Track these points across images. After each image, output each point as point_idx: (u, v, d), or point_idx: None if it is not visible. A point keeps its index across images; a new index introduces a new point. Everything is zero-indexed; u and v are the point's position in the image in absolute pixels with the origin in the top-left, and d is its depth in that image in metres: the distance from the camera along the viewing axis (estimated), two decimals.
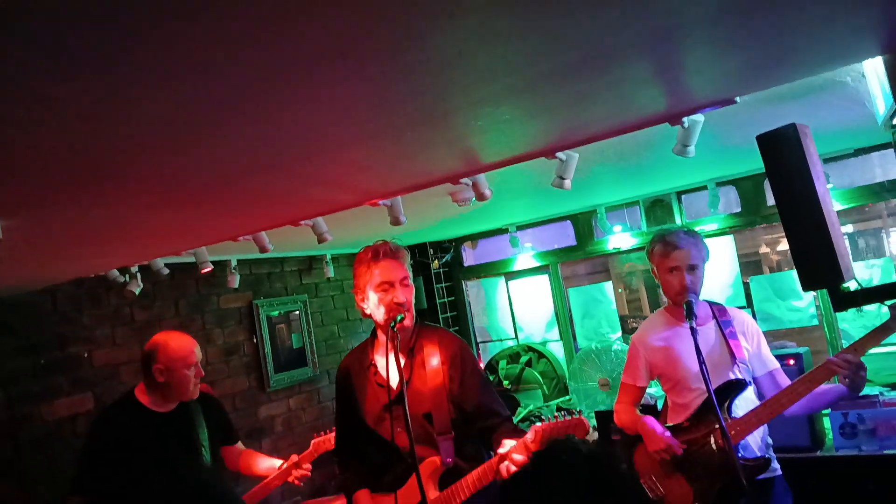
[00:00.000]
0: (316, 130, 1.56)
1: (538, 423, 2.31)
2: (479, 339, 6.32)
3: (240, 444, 3.42)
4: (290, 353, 5.04)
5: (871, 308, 4.41)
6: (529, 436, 2.30)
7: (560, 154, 2.41)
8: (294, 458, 3.13)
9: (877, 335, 2.48)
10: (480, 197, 2.70)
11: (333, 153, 1.79)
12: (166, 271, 3.81)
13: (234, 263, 4.48)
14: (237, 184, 1.95)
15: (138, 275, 3.86)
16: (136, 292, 3.86)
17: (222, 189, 1.99)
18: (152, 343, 3.01)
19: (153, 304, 4.20)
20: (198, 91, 1.18)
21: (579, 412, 2.32)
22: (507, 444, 2.32)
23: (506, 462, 2.29)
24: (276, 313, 4.96)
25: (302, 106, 1.36)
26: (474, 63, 1.25)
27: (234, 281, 4.44)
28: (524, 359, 5.73)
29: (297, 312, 5.14)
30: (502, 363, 5.80)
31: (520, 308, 6.08)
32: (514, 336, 6.10)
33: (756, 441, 2.76)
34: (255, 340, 4.78)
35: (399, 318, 2.48)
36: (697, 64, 1.55)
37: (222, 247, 3.74)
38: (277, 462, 3.21)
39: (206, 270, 3.61)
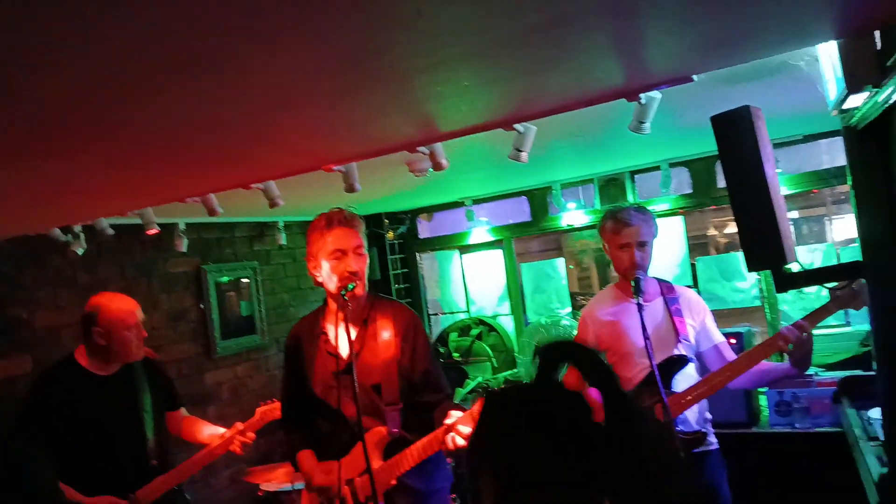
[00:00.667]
0: (268, 89, 1.51)
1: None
2: (430, 312, 6.34)
3: (183, 410, 3.36)
4: (238, 320, 4.96)
5: (811, 291, 4.57)
6: (476, 407, 2.32)
7: (518, 126, 2.40)
8: (238, 426, 3.09)
9: (816, 316, 2.56)
10: (437, 167, 2.68)
11: (287, 114, 1.75)
12: (111, 232, 3.69)
13: (182, 227, 4.36)
14: (186, 142, 1.89)
15: (82, 235, 3.73)
16: (80, 253, 3.74)
17: (170, 147, 1.92)
18: (91, 305, 2.93)
19: (97, 266, 4.08)
20: (144, 45, 1.12)
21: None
22: (454, 415, 2.33)
23: (452, 433, 2.30)
24: (225, 279, 4.87)
25: (254, 63, 1.31)
26: (434, 24, 1.22)
27: (182, 245, 4.33)
28: (475, 332, 5.77)
29: (247, 279, 5.06)
30: (453, 335, 5.84)
31: (473, 282, 6.11)
32: (465, 309, 6.14)
33: (694, 415, 2.84)
34: (202, 306, 4.69)
35: (350, 287, 2.45)
36: (657, 37, 1.55)
37: (170, 209, 3.63)
38: (221, 430, 3.16)
39: (152, 232, 3.52)
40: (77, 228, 3.70)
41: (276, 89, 1.52)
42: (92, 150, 1.83)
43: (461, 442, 2.27)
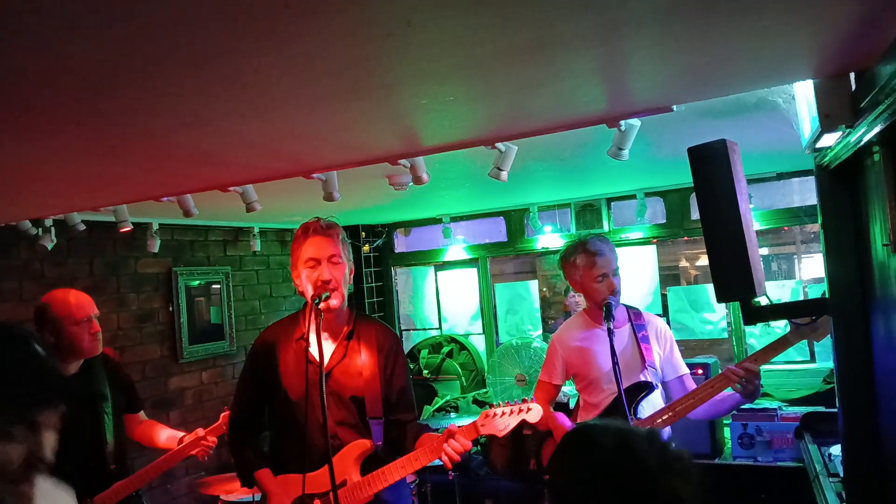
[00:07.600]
0: (252, 88, 1.51)
1: (489, 409, 2.34)
2: (403, 327, 6.32)
3: (143, 414, 3.29)
4: (207, 326, 4.90)
5: (779, 326, 4.64)
6: (480, 420, 2.32)
7: (500, 145, 2.43)
8: (199, 431, 3.01)
9: (776, 347, 2.60)
10: (418, 180, 2.69)
11: (270, 114, 1.74)
12: (82, 227, 3.64)
13: (155, 227, 4.32)
14: (164, 138, 1.87)
15: (52, 229, 3.67)
16: (49, 247, 3.67)
17: (147, 141, 1.90)
18: (39, 305, 2.89)
19: (66, 260, 4.01)
20: (127, 34, 1.12)
21: (532, 399, 2.33)
22: (455, 427, 2.32)
23: (451, 443, 2.29)
24: (195, 283, 4.81)
25: (238, 61, 1.31)
26: (423, 35, 1.23)
27: (154, 245, 4.28)
28: (446, 349, 5.76)
29: (219, 284, 5.00)
30: (424, 352, 5.82)
31: (446, 299, 6.11)
32: (438, 326, 6.13)
33: None
34: (171, 309, 4.62)
35: (325, 295, 2.43)
36: (641, 65, 1.58)
37: (145, 208, 3.59)
38: (179, 434, 3.09)
39: (125, 230, 3.47)
40: (48, 222, 3.63)
41: (261, 90, 1.52)
42: (68, 138, 1.80)
43: (454, 455, 2.27)
